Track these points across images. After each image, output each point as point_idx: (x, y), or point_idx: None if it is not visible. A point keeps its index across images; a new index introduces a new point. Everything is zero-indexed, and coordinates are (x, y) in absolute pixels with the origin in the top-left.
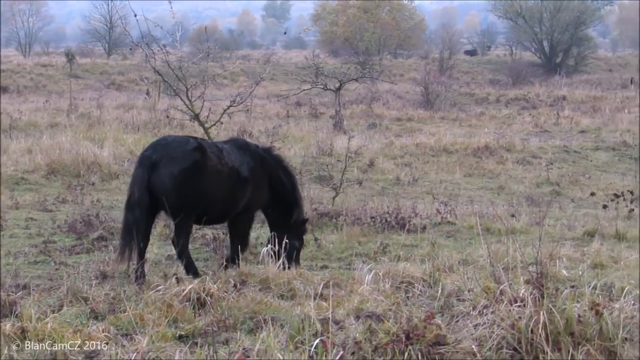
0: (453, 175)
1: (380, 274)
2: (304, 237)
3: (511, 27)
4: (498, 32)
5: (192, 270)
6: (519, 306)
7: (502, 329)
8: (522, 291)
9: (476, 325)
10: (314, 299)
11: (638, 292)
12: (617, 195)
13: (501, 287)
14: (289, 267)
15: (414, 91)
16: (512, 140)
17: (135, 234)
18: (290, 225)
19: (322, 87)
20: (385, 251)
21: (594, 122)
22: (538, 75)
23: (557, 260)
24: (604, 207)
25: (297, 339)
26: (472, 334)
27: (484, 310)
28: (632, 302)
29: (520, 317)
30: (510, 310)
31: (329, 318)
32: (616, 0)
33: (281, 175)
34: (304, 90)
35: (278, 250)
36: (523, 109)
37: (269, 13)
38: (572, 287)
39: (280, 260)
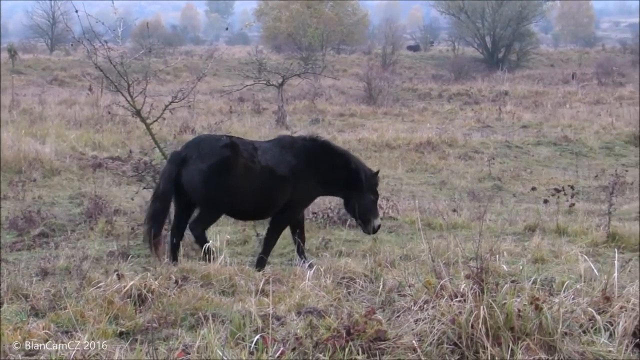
0: (395, 171)
1: (322, 269)
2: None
3: (454, 22)
4: (441, 28)
5: (208, 257)
6: (460, 301)
7: (443, 324)
8: (463, 286)
9: (417, 320)
10: (255, 295)
11: (578, 286)
12: (558, 190)
13: (442, 282)
14: (370, 222)
15: (357, 87)
16: (455, 136)
17: (154, 223)
18: (363, 188)
19: (265, 82)
20: (327, 247)
21: (536, 117)
22: (480, 71)
23: (498, 255)
24: (545, 201)
25: (237, 335)
26: (412, 329)
27: (425, 306)
28: (572, 296)
29: (460, 312)
30: (450, 305)
31: (270, 314)
32: None
33: (332, 160)
34: (247, 86)
35: (355, 214)
36: (465, 104)
37: (212, 8)
38: (513, 281)
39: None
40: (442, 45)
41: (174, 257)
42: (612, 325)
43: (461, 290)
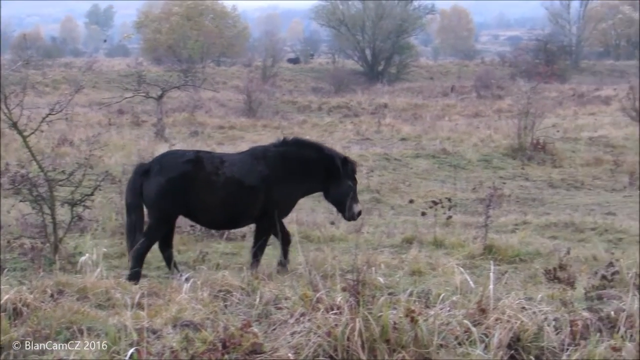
0: None
1: (199, 282)
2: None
3: (334, 35)
4: (321, 40)
5: (136, 269)
6: (336, 314)
7: (319, 336)
8: (339, 299)
9: (293, 333)
10: (132, 308)
11: (454, 298)
12: (435, 203)
13: (318, 294)
14: (350, 209)
15: (237, 99)
16: (334, 148)
17: (134, 235)
18: (340, 175)
19: (144, 95)
20: (205, 260)
21: (415, 129)
22: (360, 84)
23: (375, 268)
24: (423, 214)
25: (113, 349)
26: (289, 342)
27: (301, 318)
28: (448, 308)
29: (336, 325)
30: (327, 317)
31: (145, 327)
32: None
33: (306, 155)
34: (126, 98)
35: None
36: (345, 116)
37: (92, 20)
38: (390, 294)
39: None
40: (323, 57)
41: (171, 267)
42: (487, 337)
43: (338, 302)
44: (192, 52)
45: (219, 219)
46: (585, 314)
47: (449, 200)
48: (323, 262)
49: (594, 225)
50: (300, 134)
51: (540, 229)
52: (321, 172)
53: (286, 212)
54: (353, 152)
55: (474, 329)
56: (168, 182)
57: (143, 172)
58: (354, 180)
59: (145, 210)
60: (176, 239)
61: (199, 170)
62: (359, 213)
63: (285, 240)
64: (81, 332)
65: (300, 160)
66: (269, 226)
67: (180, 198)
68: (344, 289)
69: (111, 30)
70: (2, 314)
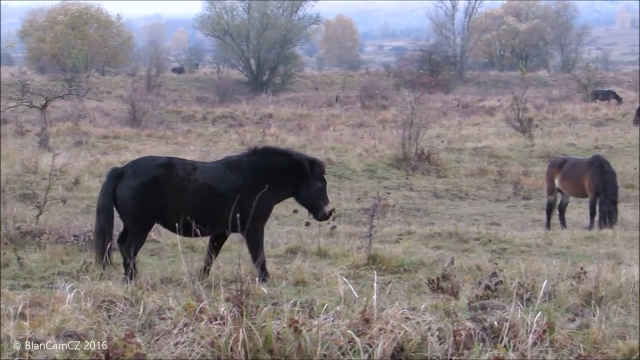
0: None
1: (82, 292)
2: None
3: (219, 44)
4: (206, 50)
5: (128, 273)
6: (219, 324)
7: (202, 347)
8: (223, 309)
9: (177, 343)
10: (14, 318)
11: (338, 308)
12: None
13: (202, 305)
14: (321, 209)
15: (121, 109)
16: (218, 158)
17: (103, 237)
18: (309, 177)
19: (28, 104)
20: (89, 270)
21: (300, 139)
22: (245, 93)
23: (259, 278)
24: (307, 224)
25: None
26: (172, 353)
27: (185, 329)
28: (332, 318)
29: (220, 335)
30: (210, 328)
31: (28, 338)
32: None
33: (277, 162)
34: (10, 107)
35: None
36: (230, 126)
37: None
38: (274, 304)
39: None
40: (207, 67)
41: (129, 272)
42: (371, 347)
43: (221, 313)
44: (76, 61)
45: (188, 225)
46: (469, 323)
47: (333, 210)
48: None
49: (477, 235)
50: (184, 143)
51: (424, 239)
52: (292, 178)
53: (263, 220)
54: None
55: (357, 339)
56: (141, 185)
57: (116, 175)
58: (323, 182)
59: (116, 214)
60: (60, 249)
61: (172, 175)
62: (330, 212)
63: (216, 252)
64: None
65: (272, 169)
66: (255, 230)
67: (152, 202)
68: (227, 299)
69: None
70: None
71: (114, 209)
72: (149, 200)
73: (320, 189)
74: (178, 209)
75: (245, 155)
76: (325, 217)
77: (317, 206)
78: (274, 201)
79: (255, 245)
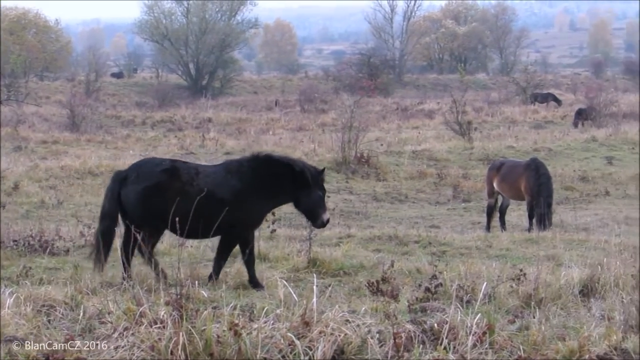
0: (98, 198)
1: (22, 297)
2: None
3: (158, 49)
4: (145, 55)
5: (157, 272)
6: (160, 328)
7: (142, 350)
8: (163, 313)
9: (117, 347)
10: None
11: (278, 311)
12: None
13: (142, 308)
14: (319, 217)
15: (60, 114)
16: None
17: (104, 242)
18: (310, 186)
19: None
20: (28, 274)
21: (239, 144)
22: (184, 98)
23: (198, 281)
24: None
25: None
26: (112, 357)
27: (125, 333)
28: (272, 321)
29: (160, 339)
30: (150, 332)
31: None
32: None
33: (278, 172)
34: None
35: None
36: (169, 131)
37: None
38: (214, 307)
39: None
40: (146, 72)
41: (128, 273)
42: (311, 350)
43: (161, 316)
44: (14, 67)
45: (190, 229)
46: (409, 326)
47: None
48: (147, 276)
49: (417, 238)
50: (124, 148)
51: (364, 242)
52: (292, 185)
53: (256, 226)
54: None
55: (297, 342)
56: (144, 190)
57: (121, 179)
58: (323, 190)
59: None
60: None
61: (175, 180)
62: (328, 220)
63: (251, 258)
64: None
65: (271, 175)
66: (237, 238)
67: (156, 206)
68: (167, 303)
69: None
70: None
71: (119, 212)
72: (154, 204)
73: (320, 198)
74: (181, 214)
75: (245, 161)
76: (323, 225)
77: (315, 214)
78: (269, 207)
79: (224, 251)
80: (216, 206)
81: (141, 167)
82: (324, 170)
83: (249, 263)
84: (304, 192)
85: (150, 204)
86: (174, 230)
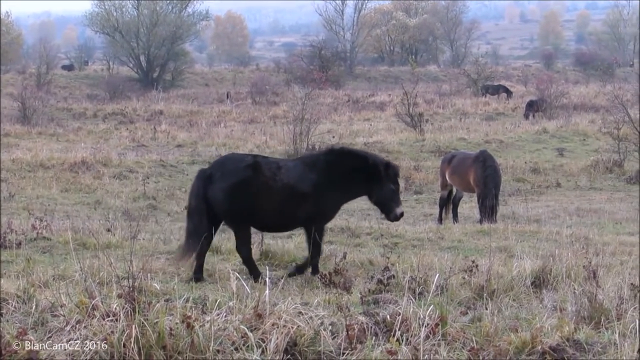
0: (50, 191)
1: None
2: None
3: (109, 41)
4: (96, 47)
5: (254, 273)
6: (112, 320)
7: (95, 343)
8: (115, 305)
9: (69, 340)
10: None
11: (231, 304)
12: None
13: (94, 301)
14: (392, 211)
15: (11, 106)
16: (109, 155)
17: (196, 238)
18: (383, 180)
19: None
20: None
21: (191, 136)
22: (136, 90)
23: (151, 274)
24: None
25: None
26: (65, 350)
27: (77, 326)
28: (225, 314)
29: (113, 332)
30: (103, 324)
31: None
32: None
33: (352, 165)
34: None
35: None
36: (120, 123)
37: None
38: (166, 300)
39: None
40: (97, 64)
41: (254, 272)
42: (264, 342)
43: (114, 309)
44: None
45: (271, 223)
46: (362, 318)
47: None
48: (99, 269)
49: (369, 230)
50: (75, 140)
51: None
52: (365, 178)
53: (331, 217)
54: (129, 159)
55: (250, 334)
56: (231, 187)
57: (206, 177)
58: (396, 184)
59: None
60: None
61: (259, 175)
62: (402, 214)
63: (318, 250)
64: None
65: (346, 168)
66: (322, 228)
67: (242, 202)
68: (120, 296)
69: None
70: None
71: (206, 210)
72: (241, 200)
73: (393, 191)
74: (266, 209)
75: (321, 154)
76: (396, 219)
77: (389, 207)
78: (344, 200)
79: (318, 243)
80: (298, 200)
81: (225, 165)
82: (393, 165)
83: (315, 254)
84: (377, 185)
85: (237, 200)
86: (258, 225)
